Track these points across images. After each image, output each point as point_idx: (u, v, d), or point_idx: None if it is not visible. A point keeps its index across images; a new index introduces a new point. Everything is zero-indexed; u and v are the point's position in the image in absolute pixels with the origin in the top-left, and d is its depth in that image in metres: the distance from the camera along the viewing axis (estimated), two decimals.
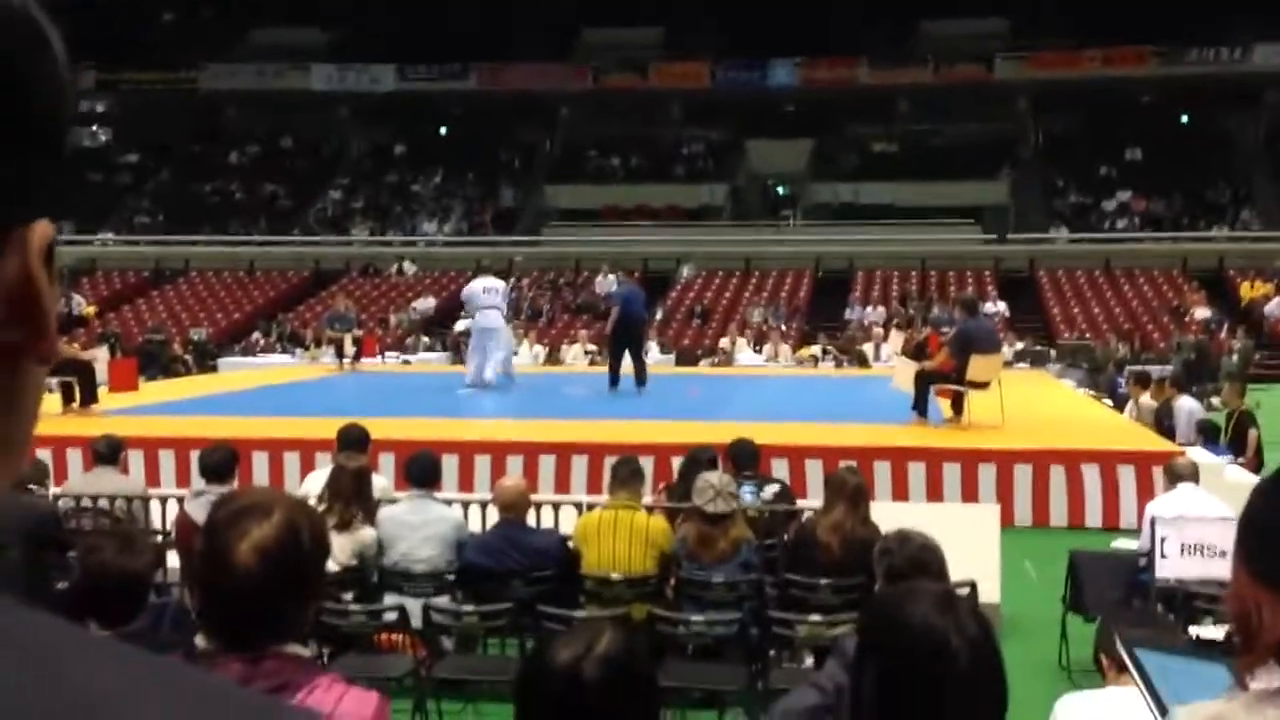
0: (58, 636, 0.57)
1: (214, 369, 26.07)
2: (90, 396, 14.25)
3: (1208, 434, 13.65)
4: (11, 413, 0.65)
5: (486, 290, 17.92)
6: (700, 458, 8.10)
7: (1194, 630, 6.74)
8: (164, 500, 8.30)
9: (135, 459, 11.42)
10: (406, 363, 25.88)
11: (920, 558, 4.22)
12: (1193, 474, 7.94)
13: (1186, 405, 15.41)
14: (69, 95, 0.64)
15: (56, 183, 0.65)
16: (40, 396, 0.68)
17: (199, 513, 6.85)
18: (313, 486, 7.81)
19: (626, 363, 17.32)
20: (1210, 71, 39.75)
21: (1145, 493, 10.45)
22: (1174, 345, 27.48)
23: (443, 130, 46.02)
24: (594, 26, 44.67)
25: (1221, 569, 7.06)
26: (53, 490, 8.17)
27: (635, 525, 6.77)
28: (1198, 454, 11.25)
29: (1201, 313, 30.38)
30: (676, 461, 9.14)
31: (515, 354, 19.36)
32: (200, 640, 2.23)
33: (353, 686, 2.22)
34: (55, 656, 0.56)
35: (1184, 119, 42.18)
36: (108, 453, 8.38)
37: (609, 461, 10.19)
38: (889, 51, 42.39)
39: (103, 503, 7.99)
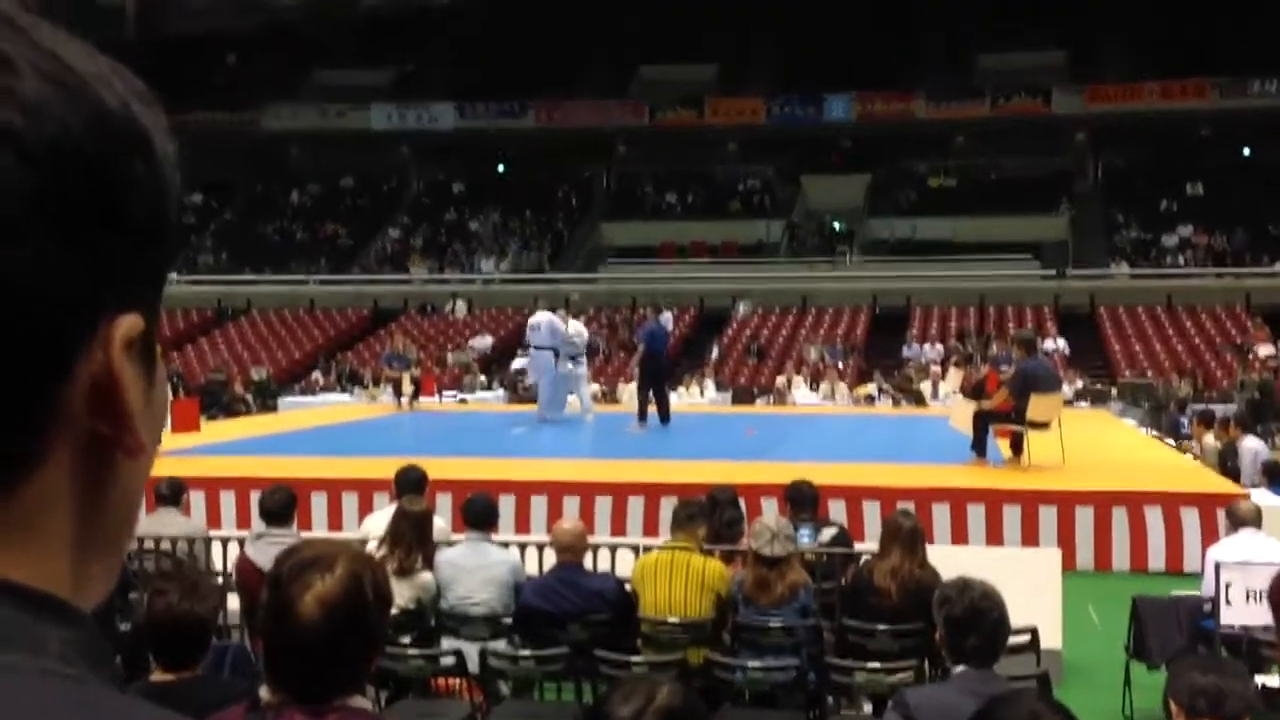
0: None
1: (274, 408, 26.31)
2: None
3: (1274, 475, 13.40)
4: (100, 508, 0.64)
5: (533, 328, 18.13)
6: (720, 498, 8.07)
7: (1260, 679, 6.63)
8: (225, 542, 8.39)
9: (196, 499, 11.55)
10: (464, 401, 26.00)
11: (980, 606, 4.19)
12: (1255, 518, 7.81)
13: (1252, 446, 15.17)
14: (172, 190, 0.64)
15: (153, 276, 0.65)
16: (137, 496, 0.67)
17: (259, 555, 6.91)
18: (372, 528, 7.85)
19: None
20: (1273, 104, 39.21)
21: (1209, 535, 10.29)
22: (1238, 383, 27.06)
23: (500, 168, 46.39)
24: (650, 64, 44.91)
25: None
26: None
27: (692, 567, 6.76)
28: (1263, 496, 11.07)
29: (1265, 350, 29.86)
30: None
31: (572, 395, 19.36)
32: (265, 692, 2.26)
33: None
34: None
35: (1246, 152, 41.65)
36: (170, 494, 8.48)
37: (665, 503, 10.22)
38: (946, 86, 42.23)
39: (165, 544, 8.08)
